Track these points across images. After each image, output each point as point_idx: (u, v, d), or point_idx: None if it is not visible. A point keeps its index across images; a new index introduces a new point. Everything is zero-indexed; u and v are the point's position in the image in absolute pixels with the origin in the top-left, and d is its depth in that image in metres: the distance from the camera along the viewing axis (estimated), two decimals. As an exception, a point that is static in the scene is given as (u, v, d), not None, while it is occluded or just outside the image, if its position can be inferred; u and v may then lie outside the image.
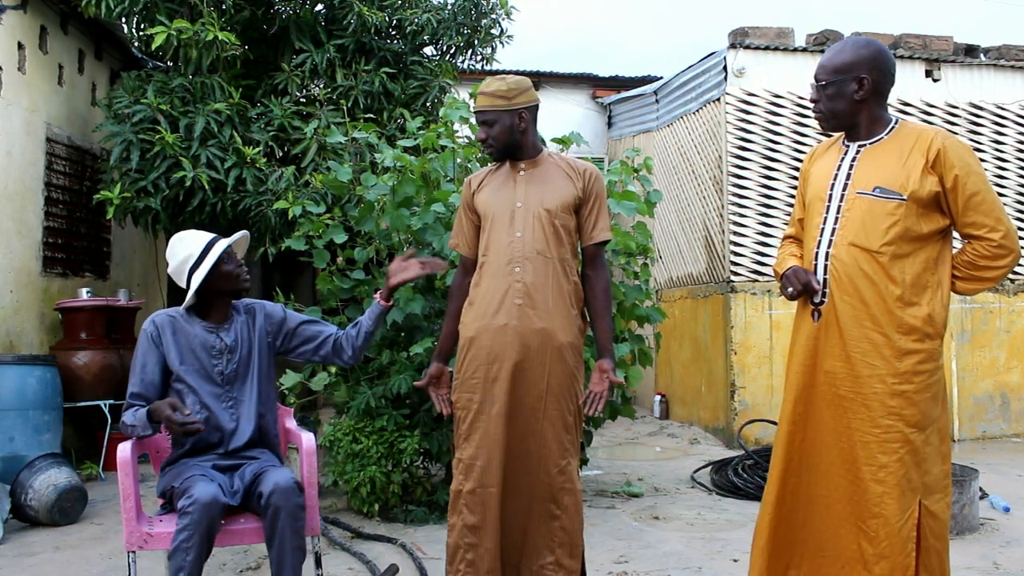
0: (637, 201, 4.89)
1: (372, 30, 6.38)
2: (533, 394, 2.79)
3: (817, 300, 2.55)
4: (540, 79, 9.95)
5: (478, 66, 7.24)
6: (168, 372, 2.90)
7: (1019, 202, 7.82)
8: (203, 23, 5.65)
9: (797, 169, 6.92)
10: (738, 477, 5.34)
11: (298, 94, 6.43)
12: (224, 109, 5.79)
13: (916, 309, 2.45)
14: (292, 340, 3.09)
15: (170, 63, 6.48)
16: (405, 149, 4.99)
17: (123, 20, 6.28)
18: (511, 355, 2.78)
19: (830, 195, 2.57)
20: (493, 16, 6.98)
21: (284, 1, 6.72)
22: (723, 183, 7.29)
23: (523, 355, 2.78)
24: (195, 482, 2.67)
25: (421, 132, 4.95)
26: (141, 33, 6.22)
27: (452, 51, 7.07)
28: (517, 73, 2.96)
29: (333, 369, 4.77)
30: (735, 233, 7.23)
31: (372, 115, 6.17)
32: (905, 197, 2.44)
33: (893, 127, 2.56)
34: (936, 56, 7.69)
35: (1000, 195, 7.75)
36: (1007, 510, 4.83)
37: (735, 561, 3.91)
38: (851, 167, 2.56)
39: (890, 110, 2.64)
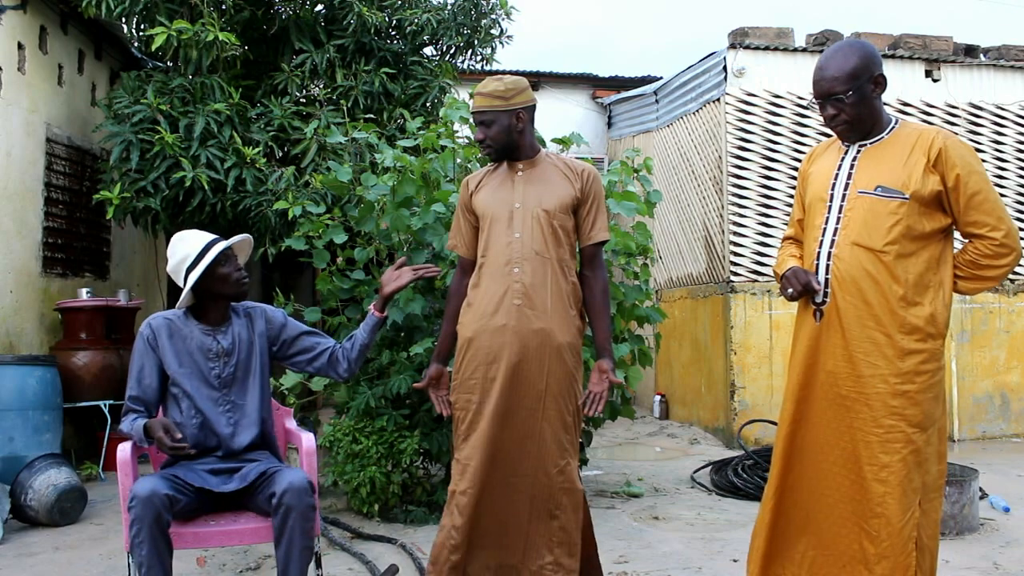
0: (637, 201, 4.89)
1: (372, 30, 6.38)
2: (532, 395, 2.79)
3: (819, 300, 2.55)
4: (540, 79, 9.95)
5: (478, 66, 7.25)
6: (165, 375, 2.89)
7: (1019, 202, 7.82)
8: (203, 23, 5.65)
9: (797, 169, 6.93)
10: (738, 477, 5.34)
11: (298, 94, 6.43)
12: (224, 109, 5.79)
13: (918, 309, 2.45)
14: (290, 348, 3.07)
15: (170, 63, 6.49)
16: (405, 149, 4.99)
17: (123, 20, 6.28)
18: (510, 355, 2.78)
19: (831, 195, 2.57)
20: (493, 16, 6.98)
21: (284, 1, 6.72)
22: (723, 183, 7.29)
23: (522, 355, 2.78)
24: (137, 482, 2.67)
25: (421, 132, 4.95)
26: (141, 33, 6.22)
27: (452, 51, 7.07)
28: (517, 73, 2.97)
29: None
30: (735, 233, 7.23)
31: (372, 115, 6.17)
32: (907, 196, 2.44)
33: (893, 127, 2.57)
34: (936, 56, 7.69)
35: (1000, 195, 7.74)
36: (1007, 510, 4.83)
37: (735, 561, 3.91)
38: (852, 167, 2.56)
39: (890, 111, 2.64)
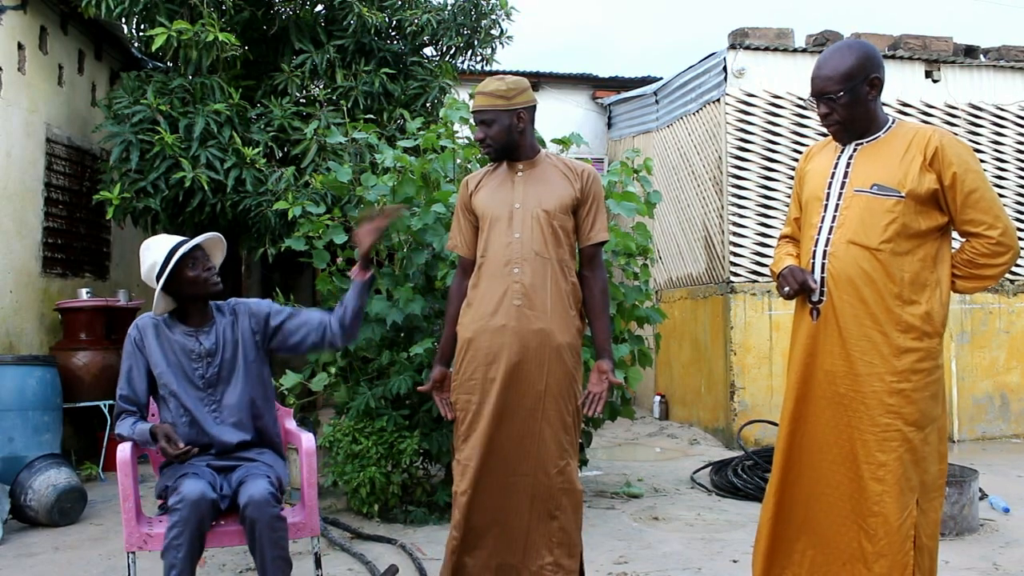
0: (637, 202, 4.89)
1: (372, 31, 6.38)
2: (531, 395, 2.79)
3: (816, 299, 2.56)
4: (540, 79, 9.95)
5: (478, 67, 7.24)
6: (153, 375, 2.91)
7: (1019, 203, 7.82)
8: (203, 24, 5.65)
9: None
10: (738, 478, 5.34)
11: (298, 95, 6.43)
12: (224, 110, 5.79)
13: (915, 307, 2.46)
14: (280, 335, 3.01)
15: (170, 64, 6.49)
16: (405, 150, 4.99)
17: (123, 21, 6.28)
18: (509, 356, 2.78)
19: (827, 193, 2.58)
20: (493, 17, 6.98)
21: (284, 2, 6.72)
22: (723, 184, 7.29)
23: (521, 356, 2.78)
24: (184, 480, 2.68)
25: (421, 132, 4.95)
26: (141, 34, 6.22)
27: (452, 52, 7.07)
28: (517, 74, 2.97)
29: (333, 369, 4.77)
30: (735, 234, 7.23)
31: (372, 116, 6.17)
32: (903, 194, 2.44)
33: (890, 126, 2.57)
34: (936, 57, 7.70)
35: (999, 196, 7.75)
36: (1007, 511, 4.83)
37: (735, 562, 3.91)
38: (848, 165, 2.57)
39: (889, 111, 2.64)
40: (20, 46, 5.98)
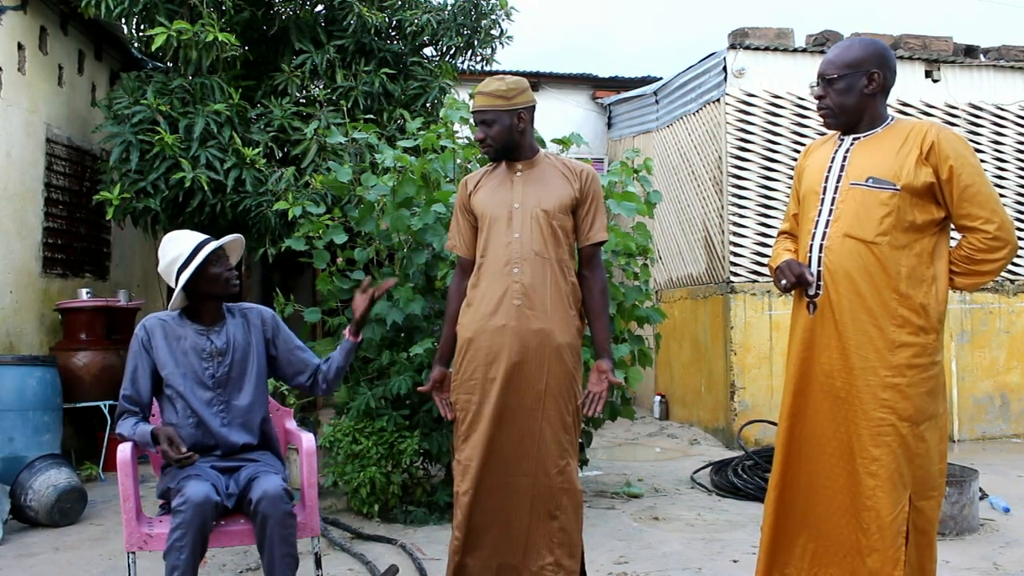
0: (637, 202, 4.89)
1: (372, 31, 6.38)
2: (531, 395, 2.79)
3: (812, 292, 2.56)
4: (540, 79, 9.95)
5: (478, 67, 7.24)
6: (159, 377, 2.90)
7: (1019, 203, 7.82)
8: (203, 24, 5.65)
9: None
10: (738, 478, 5.34)
11: (298, 95, 6.43)
12: (224, 110, 5.79)
13: (911, 301, 2.46)
14: (280, 359, 3.07)
15: (170, 64, 6.48)
16: (405, 150, 4.99)
17: (123, 21, 6.27)
18: (509, 356, 2.78)
19: (824, 187, 2.59)
20: (493, 17, 6.98)
21: (284, 2, 6.72)
22: (723, 183, 7.29)
23: (521, 356, 2.78)
24: (188, 482, 2.67)
25: (421, 132, 4.95)
26: (141, 34, 6.22)
27: (452, 52, 7.07)
28: (517, 74, 2.97)
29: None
30: (735, 233, 7.23)
31: (372, 116, 6.17)
32: (898, 187, 2.45)
33: (888, 123, 2.59)
34: (936, 57, 7.70)
35: (999, 196, 7.74)
36: (1007, 511, 4.83)
37: (735, 562, 3.91)
38: (845, 159, 2.58)
39: (890, 111, 2.65)
40: (20, 46, 5.98)
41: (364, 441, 4.50)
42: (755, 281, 7.21)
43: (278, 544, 2.68)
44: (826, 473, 2.54)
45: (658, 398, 8.56)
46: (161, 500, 2.95)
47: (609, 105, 10.10)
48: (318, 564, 3.01)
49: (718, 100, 7.39)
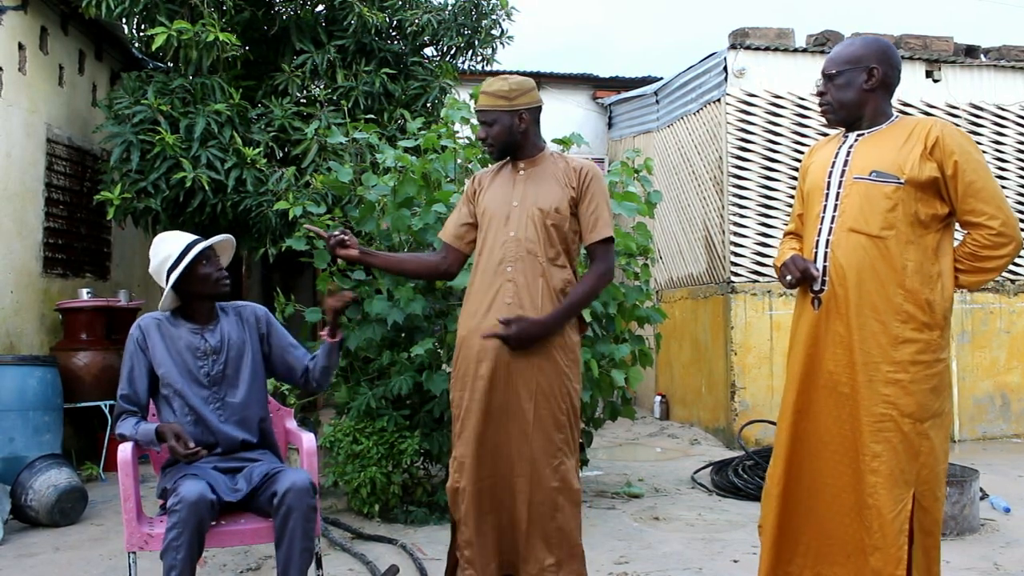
0: (637, 202, 4.89)
1: (372, 31, 6.38)
2: (523, 394, 2.78)
3: (817, 288, 2.55)
4: (540, 79, 9.95)
5: (479, 67, 7.24)
6: (155, 376, 2.92)
7: (1020, 203, 7.82)
8: (203, 24, 5.65)
9: (797, 169, 6.93)
10: (738, 478, 5.34)
11: (298, 95, 6.43)
12: (224, 110, 5.79)
13: (917, 297, 2.45)
14: (274, 356, 3.09)
15: (170, 64, 6.48)
16: (406, 149, 4.99)
17: (123, 21, 6.28)
18: (499, 354, 2.78)
19: (828, 183, 2.59)
20: (493, 17, 6.98)
21: (284, 2, 6.72)
22: (723, 183, 7.29)
23: (512, 355, 2.78)
24: (183, 481, 2.67)
25: (422, 132, 4.95)
26: (141, 34, 6.22)
27: (453, 52, 7.07)
28: (518, 74, 2.96)
29: (333, 370, 4.77)
30: (735, 234, 7.23)
31: (372, 116, 6.17)
32: (902, 181, 2.44)
33: (892, 120, 2.59)
34: (936, 57, 7.70)
35: (1000, 196, 7.74)
36: (1007, 511, 4.83)
37: (735, 562, 3.91)
38: (848, 154, 2.58)
39: (893, 110, 2.65)
40: (21, 46, 5.98)
41: (364, 441, 4.50)
42: (756, 281, 7.21)
43: (299, 538, 2.69)
44: (830, 470, 2.53)
45: (658, 398, 8.56)
46: (161, 500, 2.95)
47: (610, 105, 10.10)
48: (319, 564, 3.01)
49: (719, 100, 7.38)
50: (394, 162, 4.69)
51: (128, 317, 6.33)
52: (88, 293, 6.13)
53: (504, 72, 3.07)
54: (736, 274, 7.21)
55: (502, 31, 7.08)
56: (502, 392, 2.78)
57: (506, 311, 2.79)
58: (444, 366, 4.60)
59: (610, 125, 10.18)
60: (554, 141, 4.93)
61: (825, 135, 2.77)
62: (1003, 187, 7.75)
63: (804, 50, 7.47)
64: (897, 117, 2.59)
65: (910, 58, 7.60)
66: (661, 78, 8.93)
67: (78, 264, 6.68)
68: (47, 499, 4.54)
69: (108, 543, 4.25)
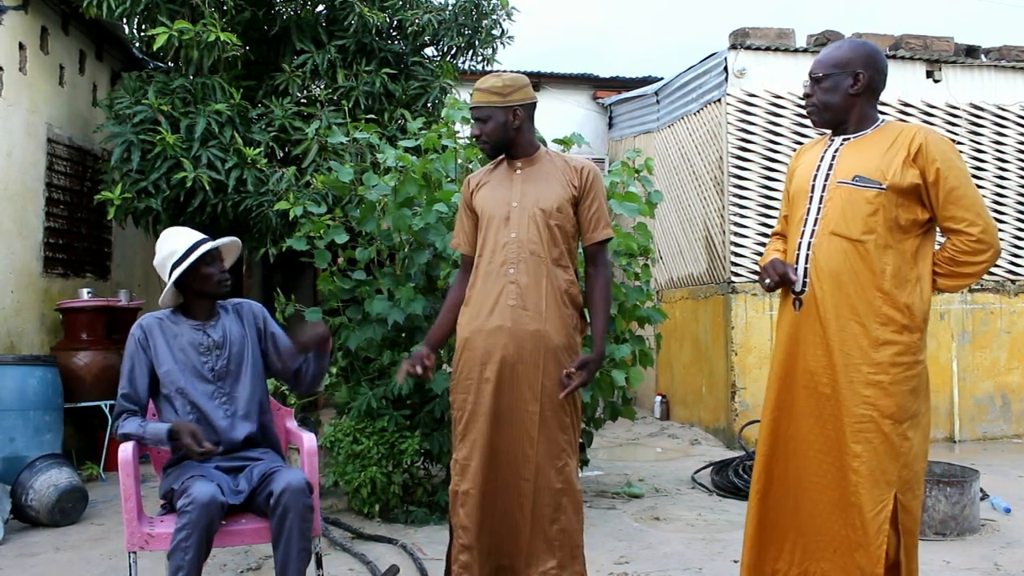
0: (638, 202, 4.89)
1: (373, 31, 6.38)
2: (528, 396, 2.78)
3: (798, 289, 2.58)
4: (541, 79, 9.95)
5: (479, 67, 7.24)
6: (155, 376, 2.93)
7: (1020, 203, 7.82)
8: (204, 24, 5.65)
9: (798, 170, 6.92)
10: (739, 478, 5.34)
11: (299, 95, 6.43)
12: (225, 110, 5.79)
13: (895, 300, 2.49)
14: (270, 354, 3.10)
15: (171, 64, 6.48)
16: (407, 149, 4.99)
17: (124, 21, 6.28)
18: (504, 356, 2.77)
19: (812, 186, 2.63)
20: (494, 17, 6.98)
21: (285, 2, 6.72)
22: (724, 184, 7.29)
23: (517, 357, 2.77)
24: (194, 482, 2.67)
25: (423, 132, 4.95)
26: (142, 34, 6.22)
27: (453, 52, 7.07)
28: (517, 73, 2.96)
29: (334, 370, 4.77)
30: (736, 234, 7.23)
31: (373, 116, 6.17)
32: (884, 186, 2.48)
33: (878, 125, 2.63)
34: (937, 57, 7.69)
35: (1001, 197, 7.75)
36: (1008, 511, 4.83)
37: (736, 562, 3.90)
38: (833, 158, 2.62)
39: (891, 111, 2.66)
40: (21, 46, 5.98)
41: (365, 441, 4.50)
42: (756, 281, 7.21)
43: (296, 538, 2.69)
44: (814, 469, 2.57)
45: (659, 398, 8.56)
46: (163, 501, 2.95)
47: (610, 105, 10.09)
48: (319, 564, 3.01)
49: (719, 100, 7.38)
50: (395, 162, 4.69)
51: (128, 317, 6.33)
52: (88, 293, 6.13)
53: (504, 71, 3.07)
54: (736, 274, 7.21)
55: (502, 31, 7.08)
56: (508, 394, 2.78)
57: (509, 313, 2.79)
58: (445, 366, 4.60)
59: (610, 125, 10.18)
60: (555, 141, 4.93)
61: (824, 135, 2.79)
62: (1003, 187, 7.75)
63: (804, 50, 7.47)
64: (882, 122, 2.63)
65: (910, 58, 7.59)
66: (661, 78, 8.93)
67: (79, 264, 6.69)
68: (48, 499, 4.54)
69: (109, 543, 4.26)
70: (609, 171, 5.20)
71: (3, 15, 5.76)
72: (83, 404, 5.80)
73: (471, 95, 2.91)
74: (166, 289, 2.93)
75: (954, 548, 4.10)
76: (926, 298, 2.52)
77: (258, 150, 5.79)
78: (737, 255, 7.22)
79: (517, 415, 2.78)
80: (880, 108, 2.79)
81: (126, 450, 2.81)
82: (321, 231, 4.73)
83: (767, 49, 7.34)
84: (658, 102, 8.74)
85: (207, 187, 5.64)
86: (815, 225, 2.57)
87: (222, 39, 5.65)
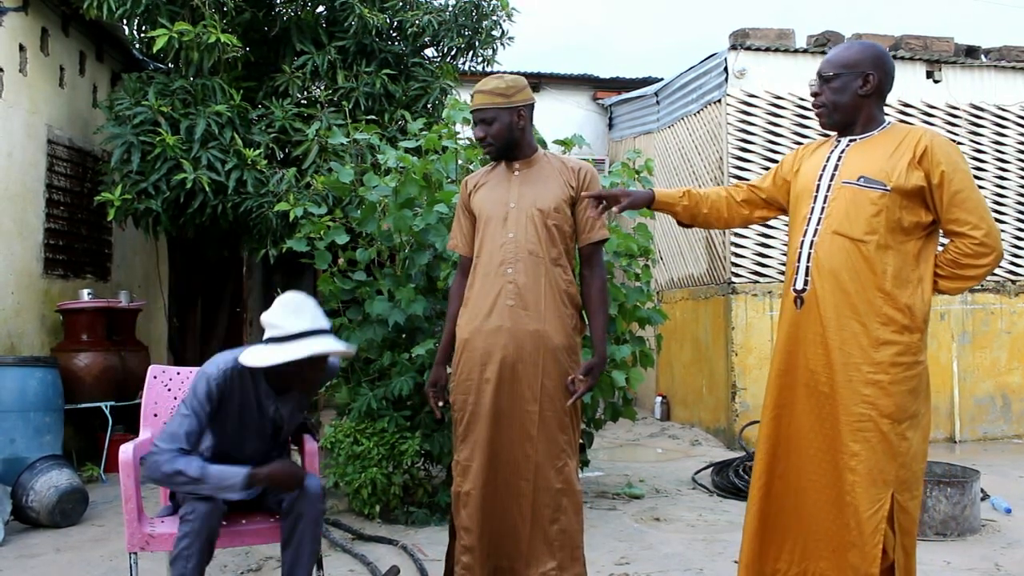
0: (638, 202, 4.88)
1: (373, 32, 6.38)
2: (527, 396, 2.78)
3: (800, 287, 2.59)
4: (541, 80, 9.95)
5: (479, 68, 7.24)
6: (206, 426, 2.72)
7: (1020, 203, 7.82)
8: (204, 25, 5.65)
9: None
10: (739, 478, 5.34)
11: (299, 96, 6.43)
12: (225, 111, 5.79)
13: (896, 301, 2.49)
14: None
15: (171, 65, 6.48)
16: (407, 150, 4.99)
17: (124, 22, 6.28)
18: (504, 356, 2.78)
19: (817, 186, 2.63)
20: (494, 18, 6.98)
21: (285, 3, 6.72)
22: (724, 184, 7.28)
23: (517, 357, 2.77)
24: None
25: (423, 133, 4.95)
26: (142, 35, 6.22)
27: (453, 53, 7.07)
28: (518, 75, 2.97)
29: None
30: (736, 234, 7.22)
31: (373, 117, 6.17)
32: (888, 188, 2.49)
33: (884, 126, 2.63)
34: (937, 57, 7.70)
35: (1001, 197, 7.75)
36: (1008, 511, 4.83)
37: (736, 562, 3.90)
38: (839, 159, 2.63)
39: (891, 111, 2.67)
40: (21, 47, 5.98)
41: (365, 442, 4.50)
42: (756, 282, 7.21)
43: (308, 543, 2.71)
44: (812, 468, 2.57)
45: (659, 399, 8.56)
46: (169, 498, 2.93)
47: (610, 106, 10.10)
48: (319, 565, 3.01)
49: (719, 101, 7.38)
50: (395, 163, 4.69)
51: (129, 318, 6.33)
52: (89, 294, 6.13)
53: (504, 72, 3.07)
54: (737, 275, 7.21)
55: (503, 32, 7.08)
56: (508, 394, 2.78)
57: (508, 313, 2.79)
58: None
59: (611, 126, 10.18)
60: (555, 142, 4.93)
61: (825, 135, 2.80)
62: (1004, 188, 7.75)
63: (804, 51, 7.47)
64: (889, 123, 2.64)
65: (910, 59, 7.60)
66: (661, 79, 8.93)
67: (79, 265, 6.69)
68: (48, 500, 4.54)
69: (109, 544, 4.26)
70: (609, 172, 5.20)
71: (3, 16, 5.77)
72: (83, 405, 5.80)
73: (472, 97, 2.91)
74: (260, 360, 2.63)
75: (954, 548, 4.10)
76: (927, 299, 2.53)
77: (258, 151, 5.79)
78: (737, 256, 7.22)
79: (517, 415, 2.78)
80: (881, 108, 2.79)
81: (126, 451, 2.81)
82: (321, 232, 4.73)
83: (767, 50, 7.34)
84: (658, 103, 8.74)
85: (207, 188, 5.64)
86: (818, 224, 2.58)
87: (222, 40, 5.65)
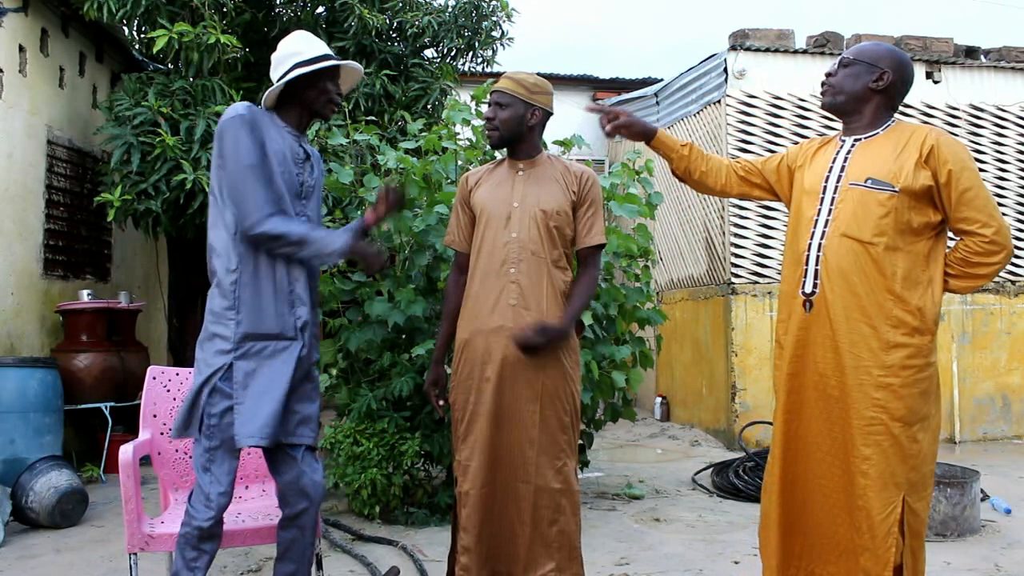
0: (638, 203, 4.90)
1: (373, 32, 6.39)
2: (528, 396, 2.78)
3: (808, 291, 2.58)
4: (541, 81, 9.94)
5: (479, 68, 7.25)
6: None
7: (1020, 203, 7.82)
8: (204, 26, 5.66)
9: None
10: (739, 479, 5.34)
11: (299, 96, 6.42)
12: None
13: (906, 303, 2.47)
14: None
15: (171, 66, 6.49)
16: (407, 151, 4.99)
17: (124, 23, 6.28)
18: (505, 356, 2.78)
19: (824, 187, 2.62)
20: (494, 18, 6.98)
21: (285, 4, 6.73)
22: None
23: (517, 356, 2.77)
24: (197, 496, 2.65)
25: (423, 134, 4.95)
26: (142, 36, 6.23)
27: (453, 53, 7.08)
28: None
29: (334, 371, 4.77)
30: (736, 235, 7.23)
31: (373, 117, 6.17)
32: (897, 189, 2.47)
33: (889, 125, 2.62)
34: (936, 58, 7.70)
35: (1001, 197, 7.75)
36: (1008, 512, 4.83)
37: (736, 563, 3.91)
38: (846, 160, 2.61)
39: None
40: (21, 48, 5.98)
41: (365, 443, 4.50)
42: (756, 282, 7.21)
43: (308, 545, 2.71)
44: (822, 472, 2.56)
45: (659, 399, 8.56)
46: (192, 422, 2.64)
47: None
48: (319, 566, 3.01)
49: (719, 101, 7.39)
50: (395, 163, 4.69)
51: (128, 319, 6.33)
52: (89, 295, 6.13)
53: (502, 74, 3.08)
54: (736, 275, 7.21)
55: (502, 33, 7.08)
56: (508, 394, 2.78)
57: (511, 313, 2.79)
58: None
59: (610, 126, 10.17)
60: (555, 142, 4.94)
61: (825, 132, 2.79)
62: (1003, 188, 7.75)
63: (804, 51, 7.47)
64: (893, 122, 2.62)
65: (910, 59, 7.59)
66: (661, 79, 8.94)
67: (79, 266, 6.69)
68: (48, 501, 4.54)
69: (109, 545, 4.25)
70: (610, 172, 5.21)
71: (3, 17, 5.77)
72: (83, 406, 5.80)
73: (479, 97, 2.90)
74: (274, 87, 2.72)
75: (955, 549, 4.10)
76: (937, 300, 2.51)
77: (258, 152, 5.77)
78: (737, 256, 7.22)
79: (517, 414, 2.78)
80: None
81: (126, 452, 2.81)
82: (321, 233, 4.72)
83: (767, 50, 7.35)
84: (658, 103, 8.74)
85: (207, 189, 5.64)
86: (825, 227, 2.56)
87: (222, 41, 5.65)
